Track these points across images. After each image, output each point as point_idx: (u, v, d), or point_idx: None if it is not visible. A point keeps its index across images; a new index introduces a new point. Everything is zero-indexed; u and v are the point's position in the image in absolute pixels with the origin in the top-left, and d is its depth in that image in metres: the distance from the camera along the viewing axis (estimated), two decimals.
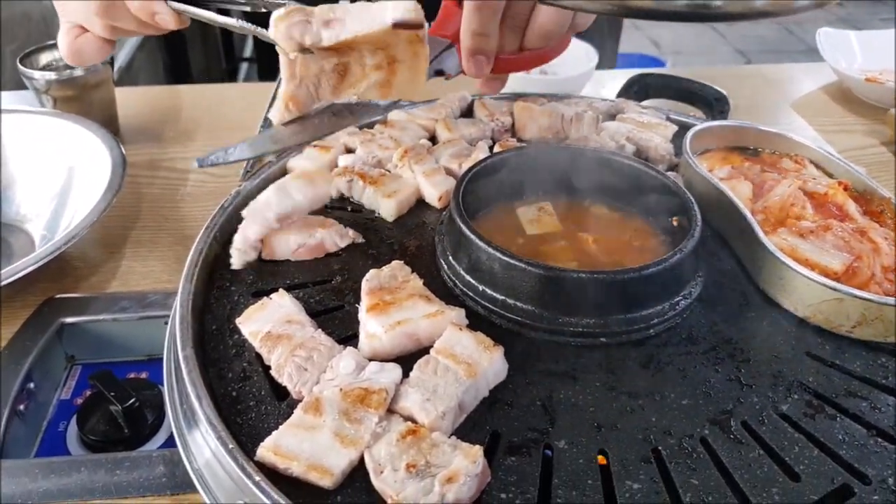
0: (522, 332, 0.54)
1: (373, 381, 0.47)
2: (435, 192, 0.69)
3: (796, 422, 0.49)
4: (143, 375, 0.69)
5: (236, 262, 0.60)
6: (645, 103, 0.89)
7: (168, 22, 0.58)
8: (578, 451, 0.46)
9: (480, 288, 0.56)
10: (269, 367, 0.51)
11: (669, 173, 0.68)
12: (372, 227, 0.67)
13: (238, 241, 0.61)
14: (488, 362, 0.49)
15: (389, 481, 0.42)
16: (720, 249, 0.64)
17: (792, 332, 0.56)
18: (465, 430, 0.47)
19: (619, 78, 1.13)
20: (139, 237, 0.86)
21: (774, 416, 0.49)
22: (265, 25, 0.56)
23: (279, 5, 0.55)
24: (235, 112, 1.11)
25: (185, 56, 2.69)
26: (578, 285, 0.53)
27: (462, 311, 0.54)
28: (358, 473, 0.44)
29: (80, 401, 0.65)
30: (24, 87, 1.01)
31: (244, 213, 0.61)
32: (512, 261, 0.54)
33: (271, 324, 0.53)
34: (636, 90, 0.94)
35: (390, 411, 0.47)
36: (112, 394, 0.61)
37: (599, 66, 1.11)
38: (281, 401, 0.49)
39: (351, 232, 0.65)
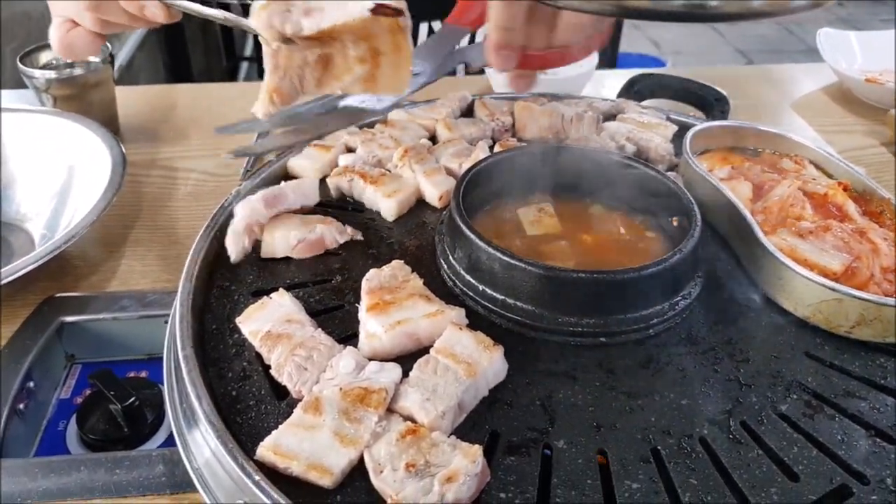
0: (522, 332, 0.54)
1: (372, 381, 0.48)
2: (435, 191, 0.69)
3: (795, 422, 0.49)
4: (143, 374, 0.69)
5: (232, 254, 0.61)
6: (645, 103, 0.89)
7: (157, 15, 0.58)
8: (578, 450, 0.46)
9: (480, 288, 0.56)
10: (268, 367, 0.51)
11: (669, 173, 0.68)
12: (372, 227, 0.67)
13: (229, 231, 0.62)
14: (488, 362, 0.49)
15: (389, 481, 0.42)
16: (720, 250, 0.65)
17: (791, 333, 0.56)
18: (465, 430, 0.47)
19: (619, 78, 1.14)
20: (139, 236, 0.86)
21: (773, 416, 0.49)
22: None
23: None
24: (236, 111, 1.11)
25: (185, 55, 2.69)
26: (578, 285, 0.53)
27: (462, 311, 0.54)
28: (357, 473, 0.44)
29: (79, 400, 0.65)
30: (24, 86, 1.01)
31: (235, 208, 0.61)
32: (512, 261, 0.54)
33: (271, 323, 0.53)
34: (636, 90, 0.94)
35: (390, 411, 0.47)
36: (112, 393, 0.61)
37: (599, 67, 1.11)
38: (281, 400, 0.49)
39: (350, 229, 0.65)
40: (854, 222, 0.63)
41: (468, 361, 0.49)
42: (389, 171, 0.73)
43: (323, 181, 0.73)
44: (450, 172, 0.73)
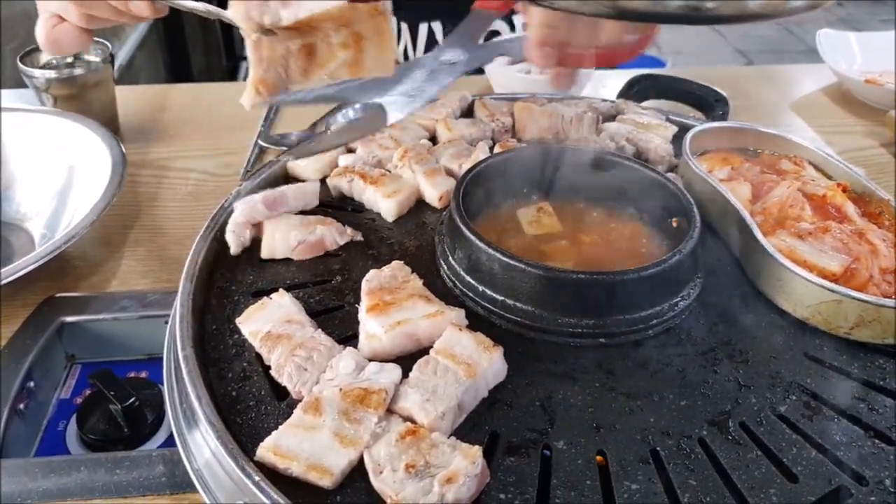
0: (522, 333, 0.55)
1: (372, 382, 0.48)
2: (435, 192, 0.69)
3: (794, 423, 0.49)
4: (143, 375, 0.69)
5: (232, 245, 0.61)
6: (645, 104, 0.89)
7: (142, 9, 0.58)
8: (577, 451, 0.46)
9: (480, 288, 0.56)
10: (268, 367, 0.51)
11: (669, 174, 0.68)
12: (372, 228, 0.67)
13: (229, 224, 0.62)
14: (488, 363, 0.49)
15: (389, 481, 0.42)
16: (719, 251, 0.65)
17: (790, 334, 0.56)
18: (465, 431, 0.47)
19: (619, 78, 1.13)
20: (139, 236, 0.86)
21: (772, 417, 0.49)
22: None
23: None
24: (236, 111, 1.10)
25: (185, 54, 2.69)
26: (578, 286, 0.53)
27: (462, 312, 0.54)
28: (357, 473, 0.44)
29: (79, 400, 0.65)
30: (24, 86, 1.01)
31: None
32: (512, 261, 0.54)
33: (271, 324, 0.53)
34: (636, 91, 0.94)
35: (390, 411, 0.47)
36: (112, 393, 0.61)
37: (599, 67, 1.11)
38: (281, 401, 0.49)
39: (349, 230, 0.65)
40: (853, 223, 0.63)
41: (468, 362, 0.49)
42: (389, 172, 0.73)
43: (323, 181, 0.73)
44: (450, 173, 0.73)
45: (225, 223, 0.64)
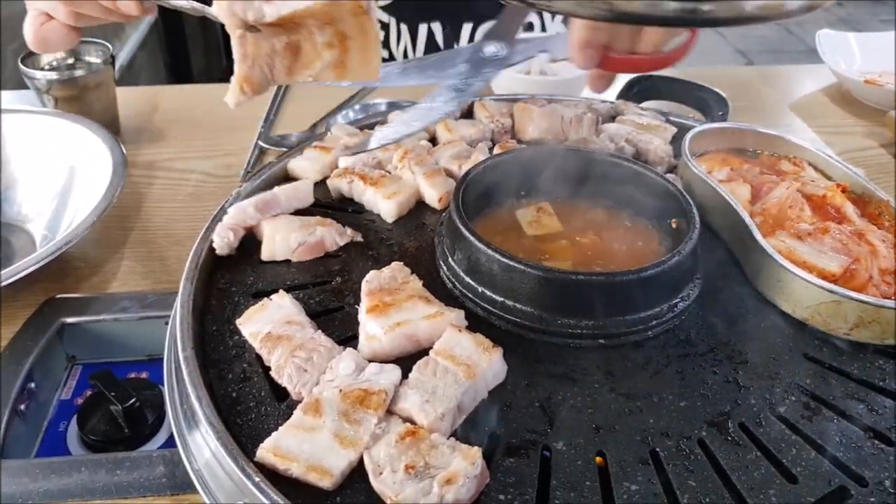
0: (521, 334, 0.55)
1: (372, 383, 0.48)
2: (435, 193, 0.69)
3: (794, 424, 0.49)
4: (144, 375, 0.69)
5: (216, 247, 0.61)
6: (644, 105, 0.89)
7: (131, 8, 0.58)
8: (577, 452, 0.46)
9: (480, 289, 0.56)
10: (269, 368, 0.51)
11: (668, 175, 0.68)
12: (372, 229, 0.67)
13: (217, 227, 0.62)
14: (487, 364, 0.49)
15: (388, 482, 0.42)
16: (718, 252, 0.65)
17: (789, 335, 0.56)
18: (464, 432, 0.47)
19: (618, 79, 1.13)
20: (140, 237, 0.86)
21: (772, 417, 0.49)
22: None
23: None
24: (236, 112, 1.11)
25: (185, 55, 2.69)
26: (577, 287, 0.53)
27: (461, 313, 0.54)
28: (357, 474, 0.44)
29: (80, 401, 0.65)
30: (25, 87, 1.01)
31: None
32: (511, 262, 0.54)
33: (271, 325, 0.53)
34: (636, 92, 0.94)
35: (389, 412, 0.47)
36: (112, 394, 0.61)
37: None
38: (281, 402, 0.49)
39: (349, 230, 0.65)
40: (853, 224, 0.63)
41: (467, 363, 0.49)
42: (389, 173, 0.73)
43: (323, 182, 0.73)
44: (449, 174, 0.73)
45: None
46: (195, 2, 0.58)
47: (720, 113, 0.89)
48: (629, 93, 0.94)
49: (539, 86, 1.07)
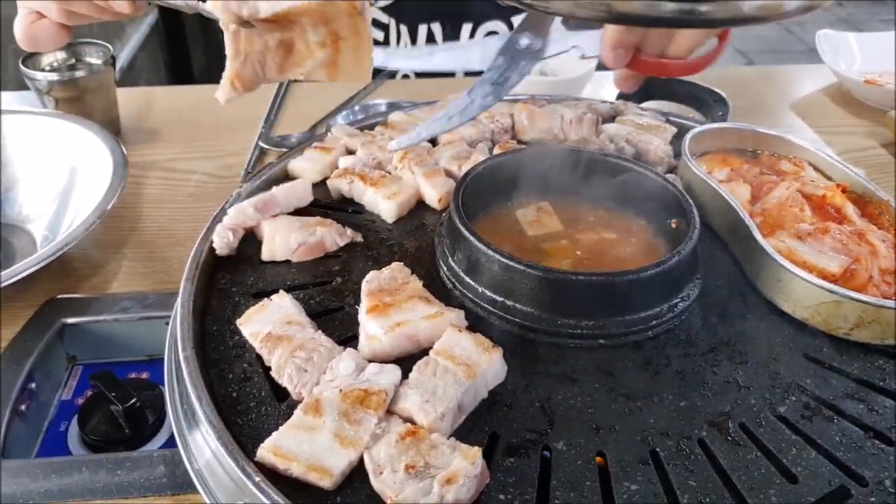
0: (521, 334, 0.55)
1: (372, 383, 0.48)
2: (435, 193, 0.69)
3: (794, 424, 0.49)
4: (144, 376, 0.69)
5: (216, 247, 0.62)
6: (644, 105, 0.89)
7: (123, 6, 0.58)
8: (577, 452, 0.46)
9: (480, 289, 0.56)
10: (269, 368, 0.51)
11: (668, 175, 0.68)
12: (372, 229, 0.67)
13: (216, 227, 0.62)
14: (487, 364, 0.49)
15: (389, 482, 0.42)
16: (718, 252, 0.65)
17: (790, 335, 0.56)
18: (464, 432, 0.47)
19: (614, 86, 1.13)
20: (140, 238, 0.86)
21: (772, 417, 0.49)
22: None
23: None
24: (237, 112, 1.11)
25: (186, 55, 2.69)
26: (577, 287, 0.53)
27: (461, 313, 0.54)
28: (357, 474, 0.44)
29: (81, 401, 0.66)
30: (25, 88, 1.01)
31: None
32: (511, 263, 0.54)
33: (271, 325, 0.53)
34: (636, 92, 0.94)
35: (390, 412, 0.47)
36: (113, 394, 0.61)
37: (599, 68, 1.11)
38: (281, 402, 0.49)
39: (349, 231, 0.65)
40: (853, 224, 0.63)
41: (467, 363, 0.49)
42: (389, 173, 0.73)
43: (323, 183, 0.73)
44: (449, 174, 0.73)
45: None
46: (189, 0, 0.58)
47: (720, 113, 0.89)
48: (629, 93, 0.94)
49: (539, 86, 1.07)
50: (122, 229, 0.87)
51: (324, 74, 0.55)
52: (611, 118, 0.84)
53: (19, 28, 0.62)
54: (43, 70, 0.98)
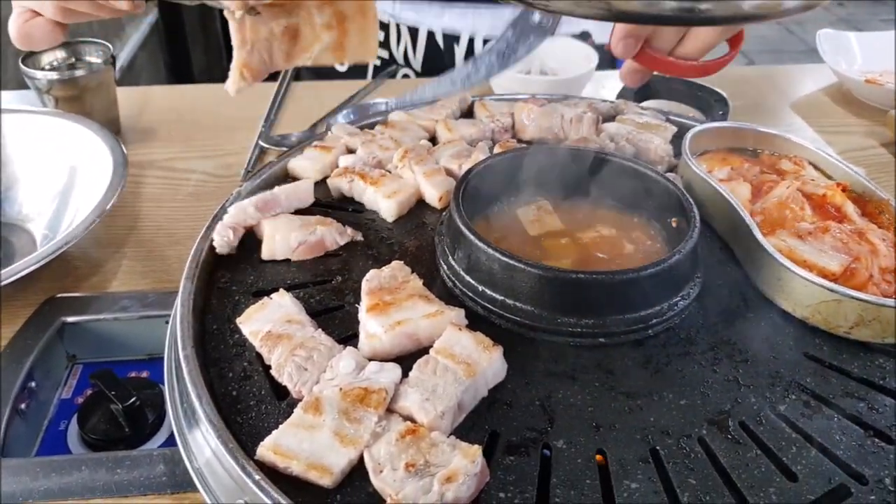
0: (522, 333, 0.55)
1: (372, 381, 0.48)
2: (435, 192, 0.69)
3: (794, 422, 0.49)
4: (144, 374, 0.69)
5: (217, 246, 0.61)
6: (645, 104, 0.90)
7: (122, 3, 0.57)
8: (577, 450, 0.46)
9: (480, 288, 0.56)
10: (269, 367, 0.51)
11: (669, 174, 0.68)
12: (372, 228, 0.67)
13: (217, 226, 0.62)
14: (487, 362, 0.49)
15: (389, 480, 0.42)
16: (719, 250, 0.65)
17: (790, 333, 0.56)
18: (464, 430, 0.47)
19: (619, 79, 1.14)
20: (140, 237, 0.86)
21: (772, 416, 0.49)
22: None
23: None
24: (237, 111, 1.11)
25: (186, 55, 2.69)
26: (577, 286, 0.53)
27: (461, 312, 0.54)
28: (357, 473, 0.44)
29: (80, 400, 0.65)
30: (25, 87, 1.01)
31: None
32: (511, 261, 0.54)
33: (271, 323, 0.53)
34: (636, 91, 0.94)
35: (390, 411, 0.47)
36: (113, 393, 0.61)
37: (600, 67, 1.11)
38: (281, 400, 0.49)
39: (350, 230, 0.65)
40: (853, 223, 0.63)
41: (467, 362, 0.49)
42: (389, 172, 0.73)
43: (323, 182, 0.73)
44: (450, 173, 0.73)
45: None
46: None
47: (720, 112, 0.89)
48: (629, 92, 0.94)
49: (539, 85, 1.07)
50: (121, 228, 0.87)
51: (331, 57, 0.55)
52: (611, 117, 0.84)
53: (13, 26, 0.61)
54: (43, 69, 0.98)
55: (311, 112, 1.11)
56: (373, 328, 0.52)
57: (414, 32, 1.26)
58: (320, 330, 0.53)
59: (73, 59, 1.01)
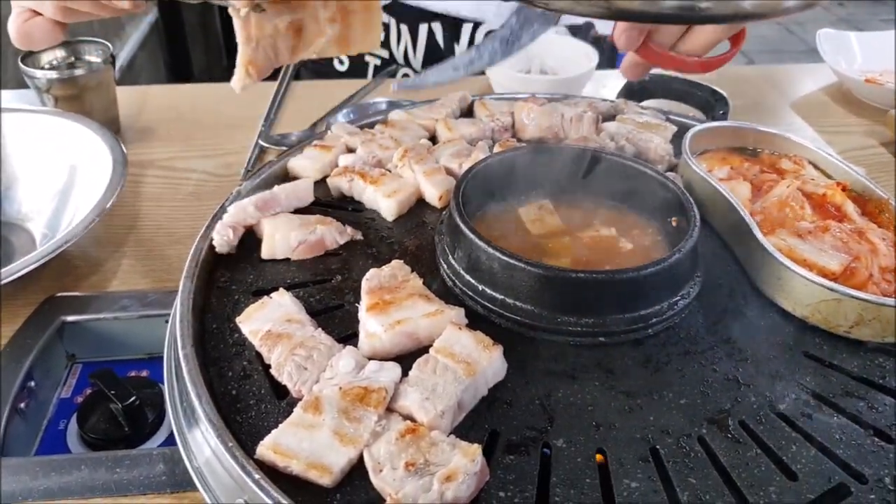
0: (521, 332, 0.55)
1: (372, 380, 0.48)
2: (435, 191, 0.69)
3: (794, 421, 0.49)
4: (144, 374, 0.69)
5: (216, 245, 0.61)
6: (645, 104, 0.89)
7: (123, 3, 0.57)
8: (577, 449, 0.46)
9: (480, 287, 0.56)
10: (269, 366, 0.51)
11: (669, 174, 0.68)
12: (372, 227, 0.67)
13: (216, 225, 0.62)
14: (487, 361, 0.49)
15: (388, 479, 0.42)
16: (719, 250, 0.65)
17: (790, 332, 0.56)
18: (464, 429, 0.47)
19: (619, 78, 1.13)
20: (140, 236, 0.86)
21: (772, 415, 0.49)
22: None
23: None
24: (237, 111, 1.11)
25: (186, 54, 2.70)
26: (577, 285, 0.53)
27: (461, 311, 0.54)
28: (357, 472, 0.44)
29: (80, 399, 0.65)
30: (25, 86, 1.01)
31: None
32: (511, 260, 0.54)
33: (271, 323, 0.53)
34: (636, 90, 0.94)
35: (389, 410, 0.47)
36: (112, 392, 0.61)
37: (600, 67, 1.11)
38: (281, 399, 0.49)
39: (349, 229, 0.65)
40: (853, 222, 0.63)
41: (467, 361, 0.49)
42: (389, 172, 0.73)
43: (323, 181, 0.73)
44: (449, 172, 0.73)
45: None
46: None
47: (721, 112, 0.89)
48: (629, 91, 0.94)
49: (539, 84, 1.07)
50: (121, 227, 0.87)
51: (335, 50, 0.55)
52: (611, 116, 0.84)
53: (13, 26, 0.61)
54: (42, 68, 0.98)
55: (310, 111, 1.11)
56: (373, 327, 0.52)
57: (414, 32, 1.26)
58: (320, 329, 0.53)
59: (73, 59, 1.01)
